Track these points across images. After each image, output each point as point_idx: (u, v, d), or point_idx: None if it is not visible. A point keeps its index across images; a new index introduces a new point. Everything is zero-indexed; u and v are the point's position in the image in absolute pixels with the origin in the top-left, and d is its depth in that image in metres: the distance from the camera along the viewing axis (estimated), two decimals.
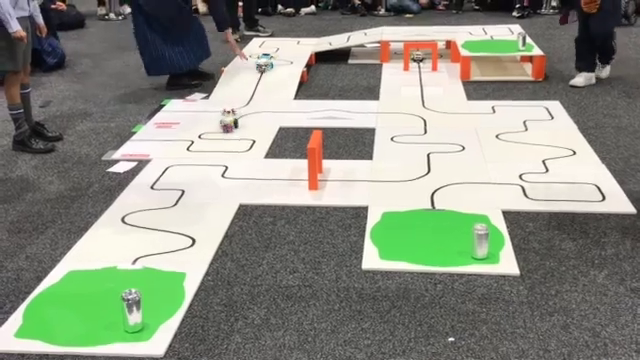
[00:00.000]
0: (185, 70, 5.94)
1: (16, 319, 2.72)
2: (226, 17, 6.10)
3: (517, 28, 7.27)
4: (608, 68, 5.79)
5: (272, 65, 6.20)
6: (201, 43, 5.95)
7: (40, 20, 4.67)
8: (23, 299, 2.86)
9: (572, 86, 5.60)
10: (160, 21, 5.62)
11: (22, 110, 4.55)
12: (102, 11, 9.57)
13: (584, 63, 5.65)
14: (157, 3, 5.59)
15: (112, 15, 9.54)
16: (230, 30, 6.12)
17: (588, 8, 5.31)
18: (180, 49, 5.76)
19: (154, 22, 5.62)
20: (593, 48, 5.62)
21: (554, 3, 9.31)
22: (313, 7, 9.71)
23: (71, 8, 9.03)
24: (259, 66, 6.15)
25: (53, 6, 7.90)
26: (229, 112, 4.85)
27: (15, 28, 4.22)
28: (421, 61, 6.32)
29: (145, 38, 5.65)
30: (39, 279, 3.01)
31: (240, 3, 8.16)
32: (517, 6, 8.94)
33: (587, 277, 2.94)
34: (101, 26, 9.11)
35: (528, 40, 6.30)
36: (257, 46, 7.33)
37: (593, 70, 5.70)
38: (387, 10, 9.44)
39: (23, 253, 3.26)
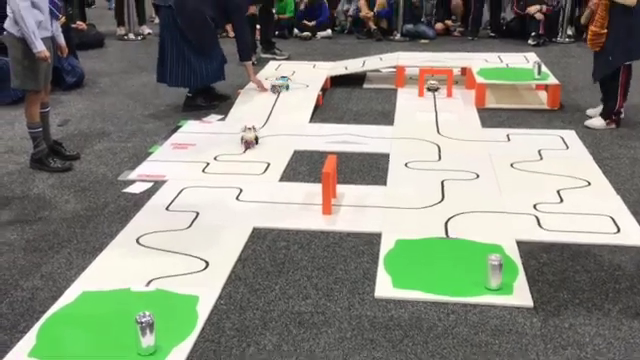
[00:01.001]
0: (206, 84, 6.04)
1: (30, 339, 2.74)
2: (249, 48, 6.22)
3: (532, 56, 7.29)
4: (599, 122, 5.40)
5: (287, 87, 6.26)
6: (220, 65, 6.02)
7: (62, 40, 4.73)
8: (37, 319, 2.88)
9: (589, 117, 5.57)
10: (190, 37, 5.73)
11: (41, 129, 4.61)
12: (121, 31, 9.68)
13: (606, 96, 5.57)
14: (191, 20, 5.72)
15: (131, 35, 9.65)
16: (251, 62, 6.19)
17: (591, 45, 5.31)
18: (204, 65, 5.86)
19: (186, 37, 5.73)
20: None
21: (570, 32, 9.33)
22: (329, 31, 9.78)
23: (91, 28, 9.15)
24: (274, 87, 6.22)
25: (74, 25, 8.02)
26: (250, 129, 4.97)
27: (40, 48, 4.29)
28: (436, 90, 6.33)
29: (180, 52, 5.76)
30: (54, 299, 3.03)
31: (257, 26, 8.23)
32: (533, 34, 8.96)
33: (601, 310, 2.92)
34: (120, 46, 9.21)
35: (543, 68, 6.31)
36: (273, 69, 7.39)
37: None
38: (403, 35, 9.50)
39: (38, 272, 3.28)
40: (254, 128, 5.05)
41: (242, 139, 4.96)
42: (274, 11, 8.71)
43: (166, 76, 5.90)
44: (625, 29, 5.06)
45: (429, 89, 6.37)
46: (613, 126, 5.36)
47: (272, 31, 8.66)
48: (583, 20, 9.13)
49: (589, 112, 5.65)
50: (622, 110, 5.38)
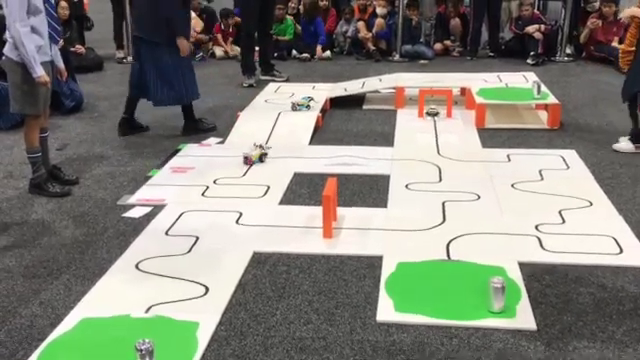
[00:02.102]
0: (189, 101, 6.00)
1: None
2: (176, 23, 5.74)
3: (532, 76, 7.29)
4: (627, 145, 5.25)
5: (308, 106, 6.36)
6: (194, 79, 5.96)
7: (61, 64, 4.73)
8: (36, 346, 2.85)
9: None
10: (164, 42, 5.64)
11: (40, 154, 4.60)
12: (120, 54, 9.69)
13: None
14: (156, 23, 5.58)
15: (130, 58, 9.66)
16: (182, 38, 5.74)
17: (622, 63, 5.28)
18: (187, 82, 5.83)
19: (159, 55, 5.66)
20: None
21: (568, 50, 9.36)
22: (328, 52, 9.81)
23: (90, 51, 9.17)
24: (294, 104, 6.38)
25: (72, 49, 8.04)
26: (258, 146, 5.10)
27: (40, 73, 4.29)
28: (436, 115, 6.23)
29: (158, 73, 5.70)
30: (53, 326, 3.00)
31: (256, 48, 8.25)
32: (532, 53, 8.98)
33: (605, 333, 2.89)
34: (119, 69, 9.21)
35: (543, 88, 6.31)
36: (273, 91, 7.40)
37: None
38: (402, 56, 9.52)
39: (37, 299, 3.26)
40: (262, 146, 5.14)
41: (243, 154, 5.07)
42: (272, 33, 8.73)
43: (153, 97, 5.85)
44: None
45: (429, 114, 6.29)
46: None
47: (271, 53, 8.69)
48: (582, 39, 9.21)
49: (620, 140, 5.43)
50: None
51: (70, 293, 3.30)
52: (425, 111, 6.33)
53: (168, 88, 5.76)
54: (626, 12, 5.12)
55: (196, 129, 6.02)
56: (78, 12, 9.16)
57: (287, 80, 8.11)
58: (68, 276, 3.48)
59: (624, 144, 5.28)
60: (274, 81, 8.02)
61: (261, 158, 5.08)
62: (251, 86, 7.80)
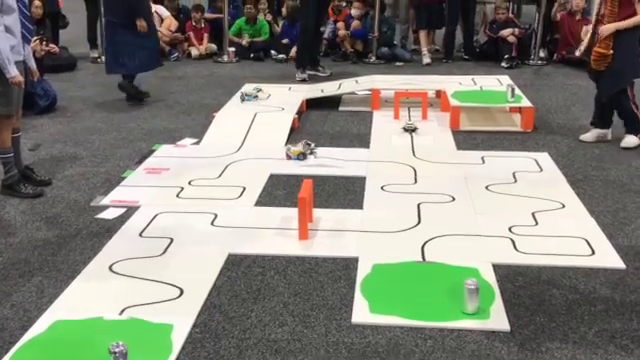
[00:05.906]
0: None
1: None
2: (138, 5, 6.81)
3: (506, 79, 7.35)
4: (632, 139, 5.46)
5: (256, 96, 6.76)
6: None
7: (33, 64, 4.70)
8: (7, 350, 2.81)
9: (581, 141, 5.60)
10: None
11: (12, 154, 4.54)
12: (94, 54, 9.59)
13: (597, 120, 5.61)
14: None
15: (104, 58, 9.56)
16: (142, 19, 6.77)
17: (596, 65, 5.32)
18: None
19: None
20: (610, 106, 5.51)
21: (542, 54, 9.45)
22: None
23: (64, 51, 9.04)
24: (242, 94, 6.80)
25: (46, 48, 7.94)
26: (306, 144, 5.22)
27: (13, 73, 4.24)
28: (413, 131, 5.98)
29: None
30: (24, 328, 2.97)
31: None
32: (506, 56, 9.05)
33: (577, 334, 2.93)
34: (93, 69, 9.12)
35: (517, 91, 6.37)
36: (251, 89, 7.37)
37: (607, 127, 5.58)
38: (378, 58, 9.54)
39: (8, 301, 3.21)
40: (309, 144, 5.21)
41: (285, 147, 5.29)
42: (322, 29, 9.00)
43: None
44: (632, 47, 5.22)
45: (406, 130, 6.00)
46: None
47: (318, 49, 8.95)
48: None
49: (583, 137, 5.63)
50: None
51: (42, 295, 3.26)
52: (402, 127, 6.05)
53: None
54: (603, 29, 5.16)
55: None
56: (52, 9, 9.01)
57: (330, 75, 8.27)
58: (40, 278, 3.44)
59: (630, 138, 5.44)
60: (317, 76, 8.21)
61: (300, 156, 5.14)
62: (304, 81, 7.93)
